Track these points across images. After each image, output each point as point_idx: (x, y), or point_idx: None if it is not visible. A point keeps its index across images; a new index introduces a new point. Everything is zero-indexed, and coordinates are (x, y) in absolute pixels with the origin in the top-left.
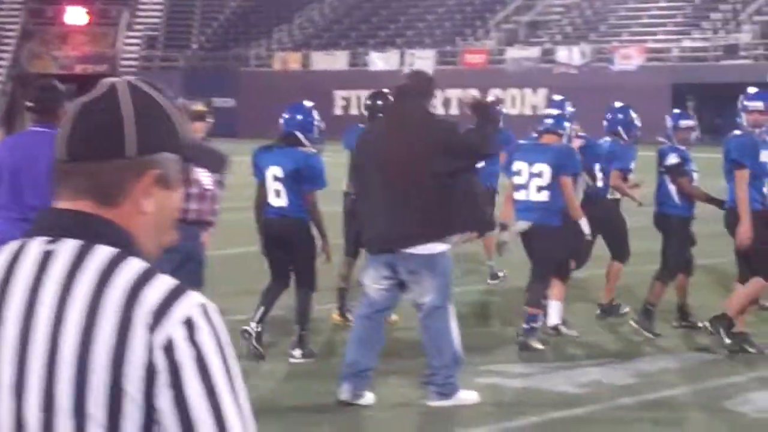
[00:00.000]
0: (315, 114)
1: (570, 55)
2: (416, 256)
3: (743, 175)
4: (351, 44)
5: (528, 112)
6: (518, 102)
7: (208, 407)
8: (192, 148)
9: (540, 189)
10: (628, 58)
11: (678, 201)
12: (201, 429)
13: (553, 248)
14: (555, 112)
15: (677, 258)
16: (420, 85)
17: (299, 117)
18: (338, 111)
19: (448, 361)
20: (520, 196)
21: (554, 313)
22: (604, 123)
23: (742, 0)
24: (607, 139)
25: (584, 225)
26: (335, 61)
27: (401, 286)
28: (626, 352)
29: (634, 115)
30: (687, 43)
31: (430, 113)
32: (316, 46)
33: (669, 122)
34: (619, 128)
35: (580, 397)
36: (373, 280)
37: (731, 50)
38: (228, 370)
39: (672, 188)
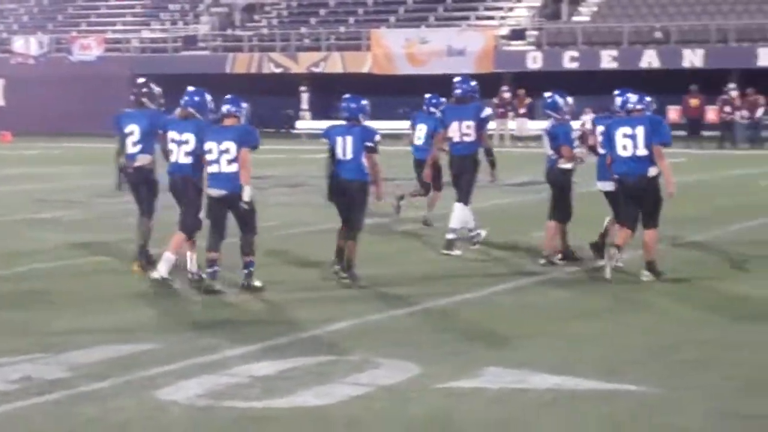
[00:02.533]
0: None
1: (27, 45)
2: None
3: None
4: None
5: None
6: None
7: None
8: None
9: (229, 162)
10: (88, 49)
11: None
12: None
13: (248, 208)
14: (229, 97)
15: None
16: None
17: None
18: None
19: None
20: (213, 169)
21: (164, 267)
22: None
23: None
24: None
25: (247, 192)
26: None
27: None
28: (64, 344)
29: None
30: (146, 34)
31: None
32: None
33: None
34: (549, 111)
35: (9, 393)
36: None
37: (190, 41)
38: None
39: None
